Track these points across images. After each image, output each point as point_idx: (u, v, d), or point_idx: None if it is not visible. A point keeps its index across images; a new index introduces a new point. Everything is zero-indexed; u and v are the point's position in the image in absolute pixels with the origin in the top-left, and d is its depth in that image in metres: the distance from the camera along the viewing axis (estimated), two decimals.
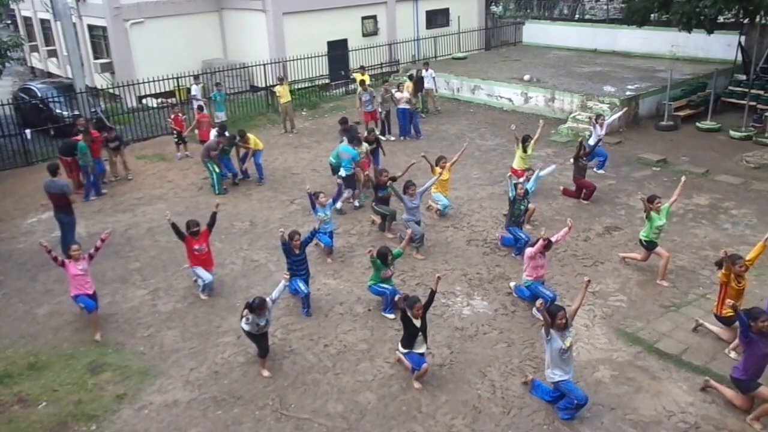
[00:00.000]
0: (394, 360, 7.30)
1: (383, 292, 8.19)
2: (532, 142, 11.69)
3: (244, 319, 7.10)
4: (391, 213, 10.43)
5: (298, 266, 8.35)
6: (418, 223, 9.94)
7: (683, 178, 9.36)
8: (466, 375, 7.08)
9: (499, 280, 9.01)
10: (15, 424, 6.62)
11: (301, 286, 8.32)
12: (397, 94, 15.59)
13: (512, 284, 8.67)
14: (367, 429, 6.37)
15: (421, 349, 6.87)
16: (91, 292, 8.14)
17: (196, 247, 8.68)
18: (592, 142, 12.65)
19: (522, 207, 9.56)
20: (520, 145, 11.65)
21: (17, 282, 9.63)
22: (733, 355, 7.09)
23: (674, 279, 8.89)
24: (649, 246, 8.79)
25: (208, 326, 8.26)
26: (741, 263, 7.11)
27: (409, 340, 6.84)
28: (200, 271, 8.77)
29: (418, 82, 17.28)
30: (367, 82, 16.28)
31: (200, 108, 15.52)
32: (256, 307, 6.93)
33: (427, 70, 17.55)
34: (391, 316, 8.12)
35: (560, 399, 6.37)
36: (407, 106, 15.48)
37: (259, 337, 7.20)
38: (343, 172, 11.30)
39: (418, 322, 6.75)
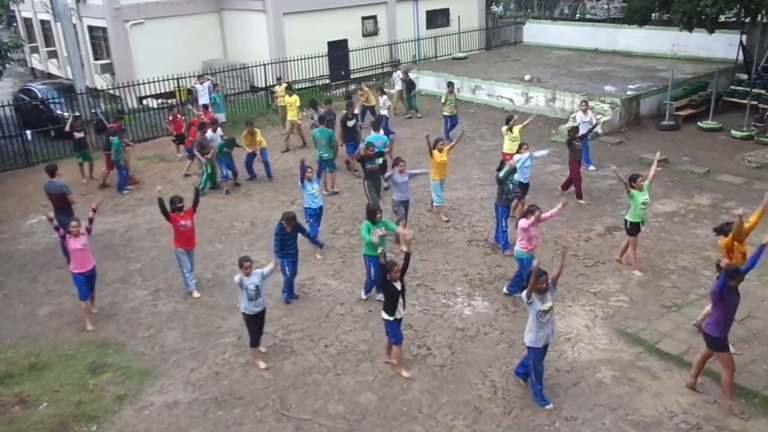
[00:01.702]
0: (382, 362, 7.30)
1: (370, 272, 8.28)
2: (520, 126, 11.80)
3: (241, 299, 7.22)
4: (375, 202, 10.53)
5: (288, 246, 8.32)
6: (407, 202, 10.03)
7: (657, 153, 9.53)
8: (467, 375, 7.07)
9: (501, 281, 8.99)
10: (16, 424, 6.63)
11: (287, 268, 8.37)
12: (383, 100, 15.53)
13: (505, 290, 8.67)
14: (368, 430, 6.36)
15: (401, 315, 6.93)
16: (90, 267, 8.26)
17: (182, 222, 8.63)
18: (583, 130, 12.67)
19: (511, 185, 9.57)
20: (507, 126, 11.79)
21: (18, 283, 9.63)
22: (731, 349, 7.09)
23: (676, 279, 8.87)
24: (633, 230, 8.84)
25: (208, 327, 8.25)
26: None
27: (392, 305, 6.85)
28: (184, 259, 8.79)
29: (409, 84, 17.26)
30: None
31: (205, 107, 15.50)
32: (241, 261, 7.16)
33: (397, 71, 17.74)
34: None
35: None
36: (385, 113, 15.30)
37: (253, 320, 7.23)
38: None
39: (398, 285, 6.82)
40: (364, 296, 8.63)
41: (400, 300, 6.88)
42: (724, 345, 6.30)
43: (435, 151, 10.74)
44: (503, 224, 9.69)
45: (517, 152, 10.74)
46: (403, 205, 10.02)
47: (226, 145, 12.76)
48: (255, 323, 7.26)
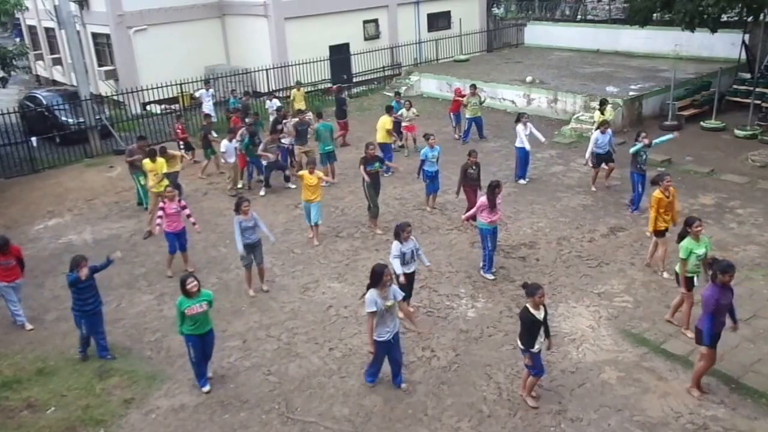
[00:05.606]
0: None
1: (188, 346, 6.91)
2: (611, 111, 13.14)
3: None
4: (375, 206, 10.77)
5: (84, 298, 7.34)
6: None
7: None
8: (471, 377, 7.08)
9: (504, 282, 9.00)
10: (24, 429, 6.67)
11: (83, 327, 7.42)
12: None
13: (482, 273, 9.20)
14: None
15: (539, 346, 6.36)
16: (180, 228, 9.43)
17: (2, 261, 8.21)
18: (519, 144, 12.29)
19: (644, 156, 10.63)
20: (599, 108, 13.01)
21: (25, 288, 9.63)
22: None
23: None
24: (688, 284, 7.40)
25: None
26: (669, 178, 8.63)
27: (532, 335, 6.20)
28: (8, 292, 8.34)
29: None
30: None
31: (208, 116, 15.53)
32: (403, 226, 7.59)
33: (271, 100, 16.09)
34: (207, 388, 7.03)
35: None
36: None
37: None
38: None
39: (540, 313, 6.21)
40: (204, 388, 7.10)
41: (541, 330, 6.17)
42: (715, 341, 6.31)
43: (305, 173, 10.15)
44: (639, 189, 10.71)
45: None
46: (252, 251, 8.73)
47: (250, 142, 12.41)
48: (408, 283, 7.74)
